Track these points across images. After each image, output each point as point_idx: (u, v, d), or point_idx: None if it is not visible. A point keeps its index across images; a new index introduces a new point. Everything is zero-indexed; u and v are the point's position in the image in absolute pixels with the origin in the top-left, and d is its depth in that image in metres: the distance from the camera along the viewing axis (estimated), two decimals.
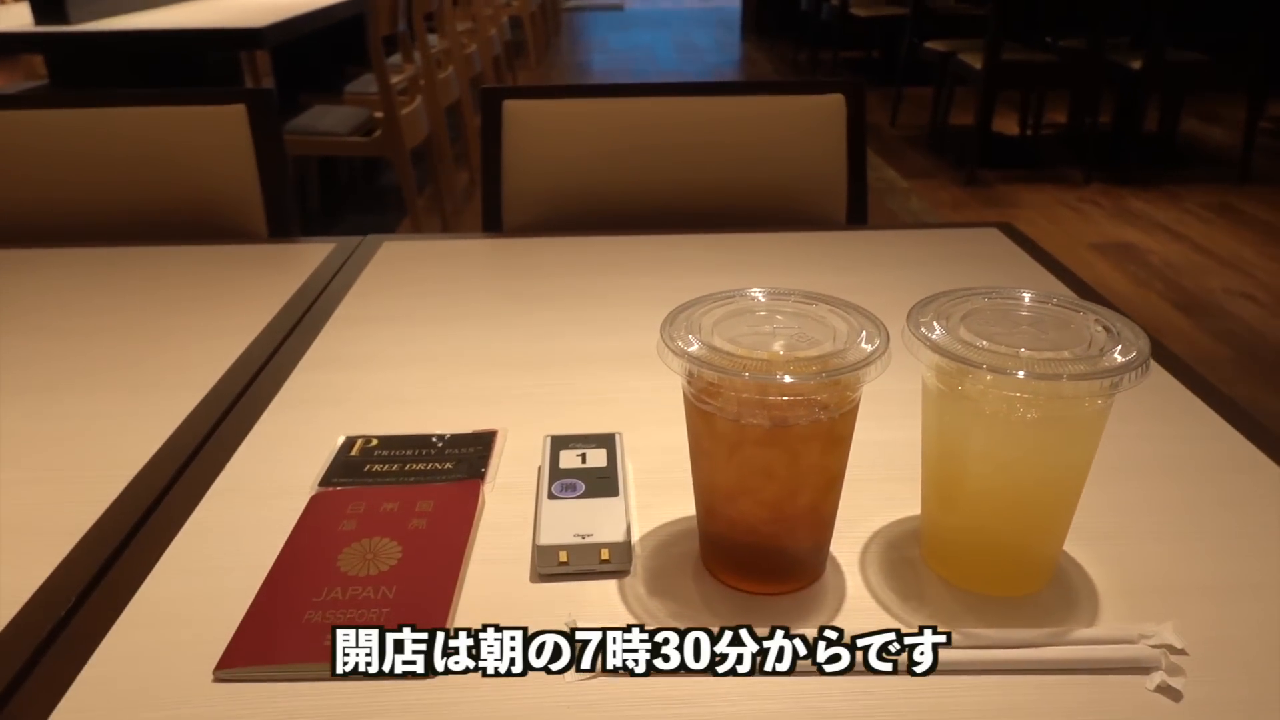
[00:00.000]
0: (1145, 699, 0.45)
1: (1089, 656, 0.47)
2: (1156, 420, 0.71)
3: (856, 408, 0.49)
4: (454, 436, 0.68)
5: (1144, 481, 0.63)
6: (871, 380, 0.46)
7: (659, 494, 0.62)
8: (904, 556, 0.56)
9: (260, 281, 1.00)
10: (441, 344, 0.85)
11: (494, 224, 1.26)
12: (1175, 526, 0.58)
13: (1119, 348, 0.47)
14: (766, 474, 0.48)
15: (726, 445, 0.49)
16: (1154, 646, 0.48)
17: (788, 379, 0.44)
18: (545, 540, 0.53)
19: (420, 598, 0.51)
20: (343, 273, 1.02)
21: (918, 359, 0.49)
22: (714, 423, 0.48)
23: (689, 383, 0.48)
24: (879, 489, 0.62)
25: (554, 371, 0.79)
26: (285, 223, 1.25)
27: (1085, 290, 0.94)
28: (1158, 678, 0.46)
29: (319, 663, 0.46)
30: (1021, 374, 0.45)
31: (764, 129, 1.27)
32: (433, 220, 3.37)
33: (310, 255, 1.08)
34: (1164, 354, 0.78)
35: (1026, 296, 0.52)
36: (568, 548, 0.53)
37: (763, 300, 0.53)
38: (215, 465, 0.65)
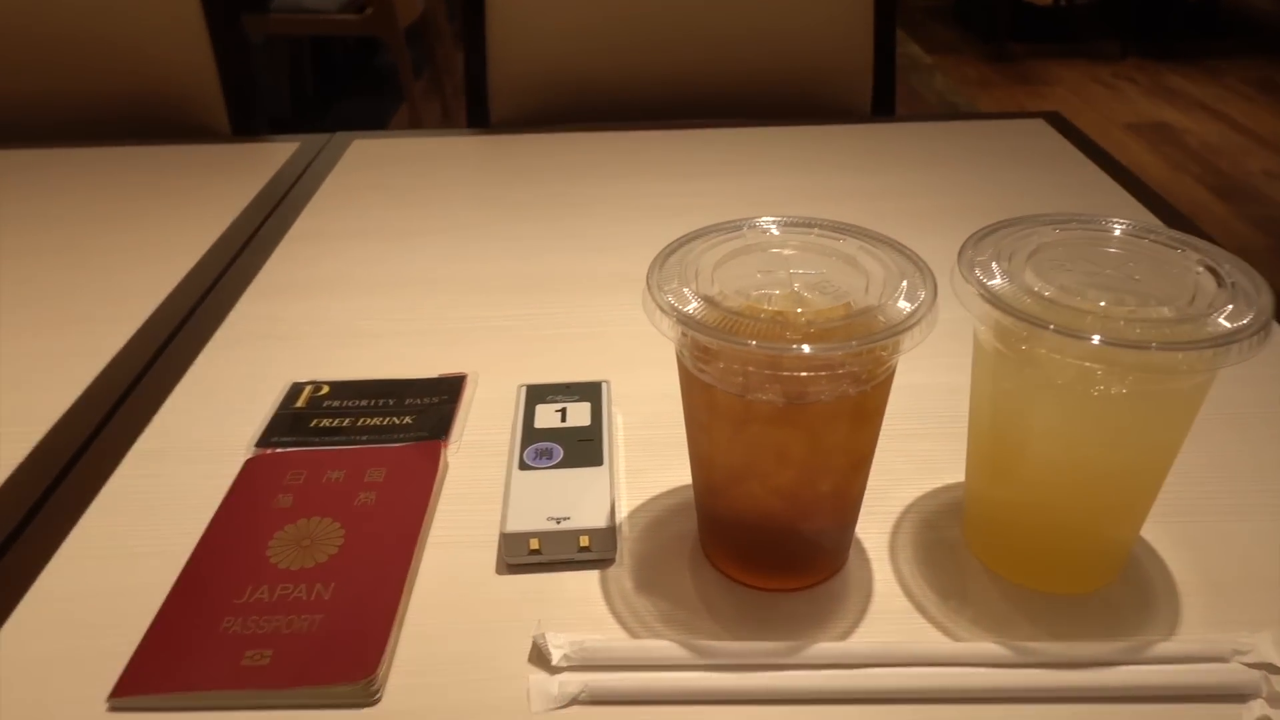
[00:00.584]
0: None
1: (1171, 681, 0.38)
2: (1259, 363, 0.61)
3: (892, 375, 0.39)
4: (417, 382, 0.59)
5: (1240, 442, 0.53)
6: (913, 347, 0.36)
7: (653, 455, 0.52)
8: (942, 539, 0.46)
9: (211, 189, 0.89)
10: (410, 265, 0.74)
11: (480, 114, 1.13)
12: (1266, 500, 0.49)
13: (1229, 306, 0.36)
14: (779, 457, 0.39)
15: (730, 422, 0.39)
16: (1250, 665, 0.39)
17: (807, 349, 0.34)
18: (513, 526, 0.45)
19: (361, 600, 0.42)
20: (305, 179, 0.91)
21: (969, 311, 0.39)
22: (714, 395, 0.38)
23: (683, 345, 0.38)
24: (915, 449, 0.52)
25: (538, 298, 0.69)
26: (249, 117, 1.13)
27: (1154, 200, 0.82)
28: (1257, 708, 0.37)
29: (232, 690, 0.38)
30: (1097, 339, 0.34)
31: (780, 2, 1.12)
32: (432, 107, 3.20)
33: (272, 157, 0.96)
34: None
35: (1116, 229, 0.41)
36: (540, 535, 0.44)
37: (776, 234, 0.42)
38: (140, 420, 0.56)
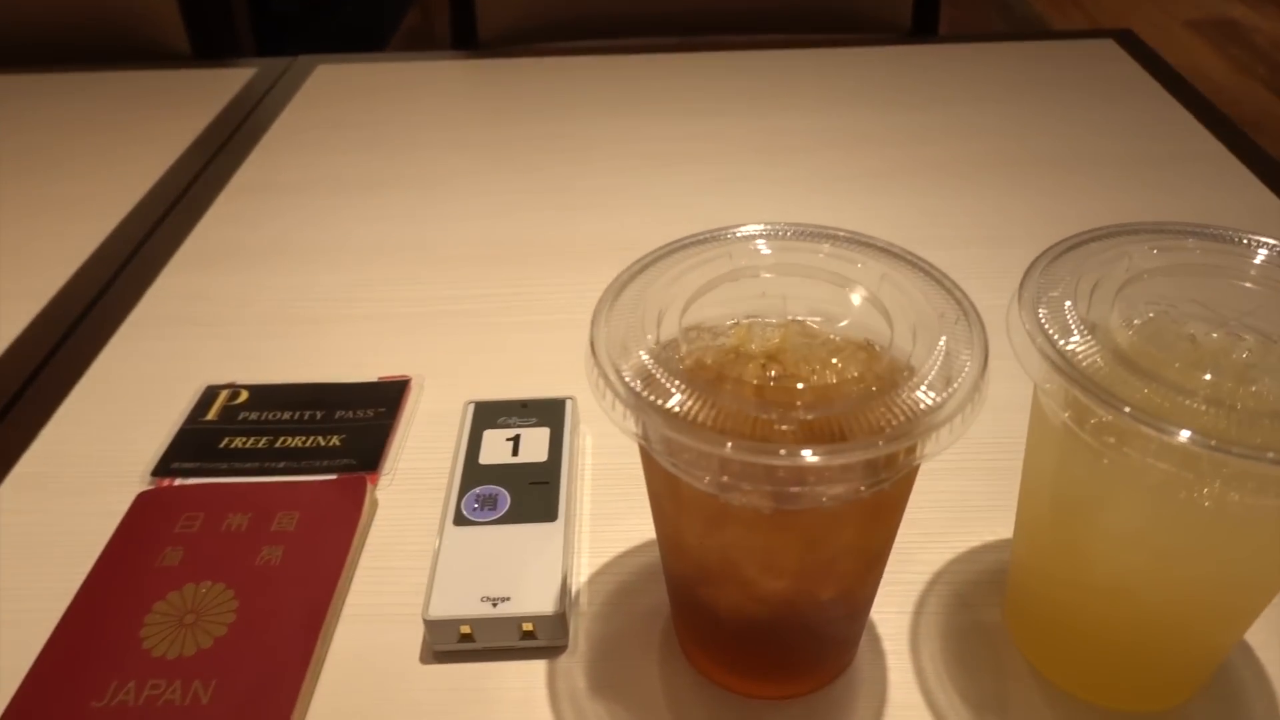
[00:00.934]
0: None
1: None
2: None
3: (918, 467, 0.29)
4: (352, 388, 0.49)
5: None
6: (954, 442, 0.26)
7: (626, 494, 0.43)
8: (979, 624, 0.37)
9: (151, 126, 0.78)
10: (366, 226, 0.64)
11: (466, 30, 1.01)
12: None
13: None
14: (767, 566, 0.29)
15: (701, 521, 0.29)
16: None
17: (809, 456, 0.24)
18: (438, 611, 0.36)
19: (248, 702, 0.34)
20: (257, 114, 0.80)
21: (1029, 373, 0.28)
22: (679, 488, 0.28)
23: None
24: (948, 489, 0.43)
25: (507, 272, 0.59)
26: (211, 37, 1.01)
27: (1249, 150, 0.69)
28: None
29: None
30: (1186, 435, 0.24)
31: None
32: (443, 16, 3.01)
33: (225, 85, 0.85)
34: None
35: (1261, 253, 0.30)
36: (472, 621, 0.36)
37: (765, 253, 0.31)
38: (23, 436, 0.48)
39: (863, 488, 0.27)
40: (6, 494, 0.45)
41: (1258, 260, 0.30)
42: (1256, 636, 0.36)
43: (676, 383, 0.26)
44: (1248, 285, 0.29)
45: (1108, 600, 0.32)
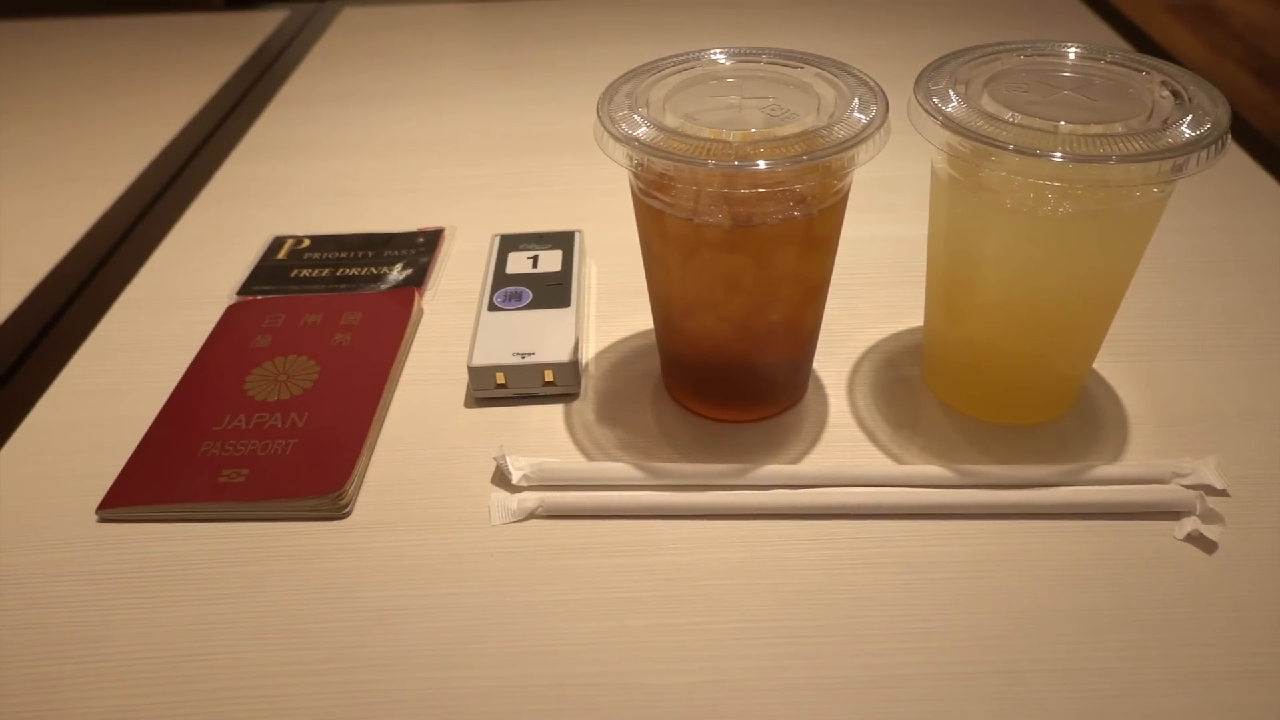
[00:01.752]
0: (1170, 549, 0.38)
1: (1108, 500, 0.40)
2: (1220, 206, 0.60)
3: (844, 201, 0.39)
4: (396, 235, 0.59)
5: (1196, 283, 0.53)
6: (863, 164, 0.36)
7: (622, 301, 0.53)
8: (901, 376, 0.47)
9: (199, 57, 0.89)
10: (395, 127, 0.74)
11: None
12: (1231, 340, 0.49)
13: (1188, 119, 0.36)
14: (729, 284, 0.40)
15: (680, 249, 0.39)
16: (1189, 487, 0.40)
17: (760, 165, 0.34)
18: (480, 360, 0.46)
19: (333, 428, 0.44)
20: (293, 46, 0.90)
21: (926, 139, 0.38)
22: (664, 222, 0.39)
23: (635, 174, 0.38)
24: (878, 295, 0.53)
25: (519, 158, 0.69)
26: None
27: (1150, 47, 0.80)
28: (1189, 524, 0.38)
29: (208, 502, 0.41)
30: (1058, 155, 0.34)
31: None
32: None
33: (260, 25, 0.95)
34: (1241, 126, 0.66)
35: (1071, 52, 0.41)
36: (505, 368, 0.46)
37: (727, 64, 0.42)
38: (128, 271, 0.58)
39: (797, 212, 0.37)
40: (117, 311, 0.55)
41: (1072, 57, 0.40)
42: (1114, 377, 0.46)
43: (662, 135, 0.36)
44: (1068, 74, 0.40)
45: (986, 328, 0.42)
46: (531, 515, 0.41)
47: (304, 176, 0.67)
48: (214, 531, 0.40)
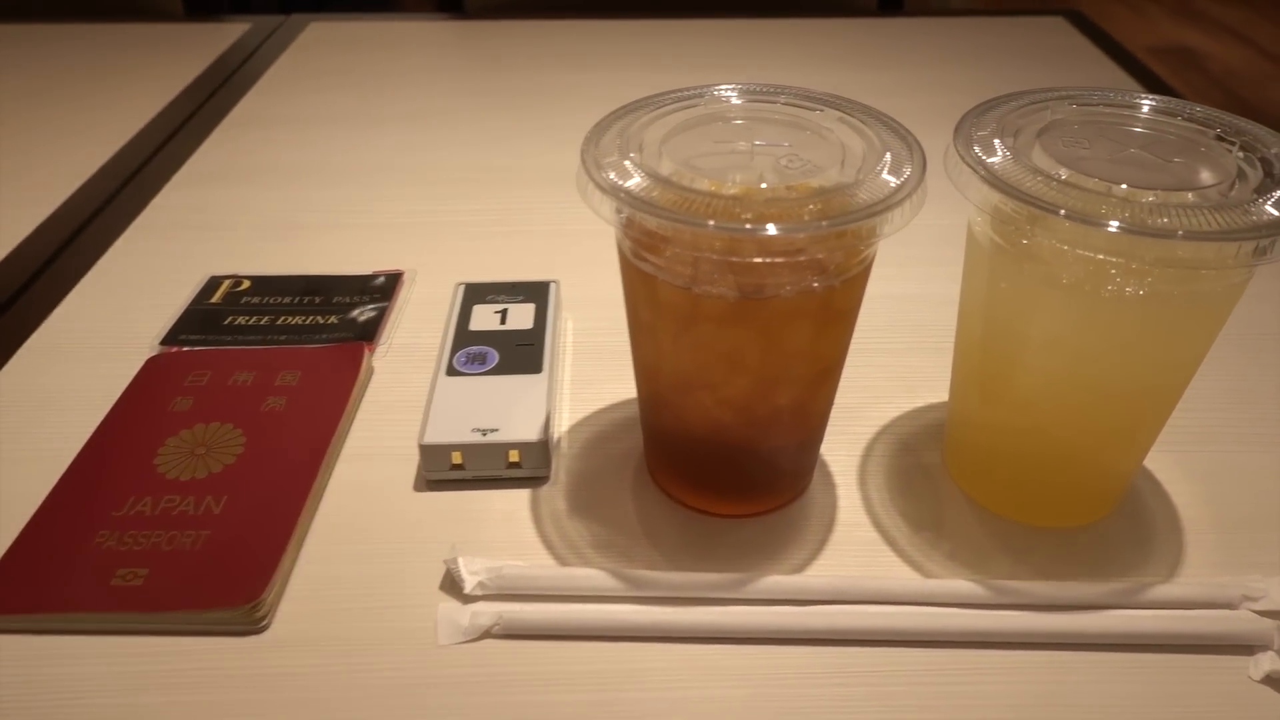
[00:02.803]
0: (1246, 691, 0.32)
1: (1169, 630, 0.34)
2: (1268, 270, 0.55)
3: (868, 269, 0.33)
4: (349, 279, 0.53)
5: (1260, 365, 0.47)
6: (895, 231, 0.30)
7: (604, 364, 0.47)
8: (921, 464, 0.41)
9: (152, 70, 0.82)
10: (359, 154, 0.68)
11: (453, 1, 1.05)
12: None
13: (1276, 193, 0.30)
14: (731, 363, 0.33)
15: (675, 321, 0.33)
16: (1262, 614, 0.34)
17: (770, 229, 0.28)
18: (433, 437, 0.39)
19: (256, 517, 0.37)
20: (254, 60, 0.83)
21: (965, 195, 0.32)
22: (657, 289, 0.32)
23: (623, 230, 0.32)
24: (894, 364, 0.47)
25: (494, 192, 0.63)
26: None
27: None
28: (1266, 662, 0.32)
29: (96, 612, 0.34)
30: (1115, 225, 0.28)
31: None
32: (426, 6, 3.05)
33: (221, 37, 0.89)
34: None
35: (1144, 105, 0.35)
36: (463, 447, 0.39)
37: (737, 103, 0.36)
38: (39, 312, 0.51)
39: (815, 283, 0.31)
40: (21, 360, 0.47)
41: (1144, 111, 0.35)
42: (1162, 472, 0.41)
43: (657, 187, 0.30)
44: (1137, 129, 0.34)
45: (1026, 417, 0.36)
46: (487, 634, 0.34)
47: (250, 207, 0.61)
48: (102, 649, 0.33)
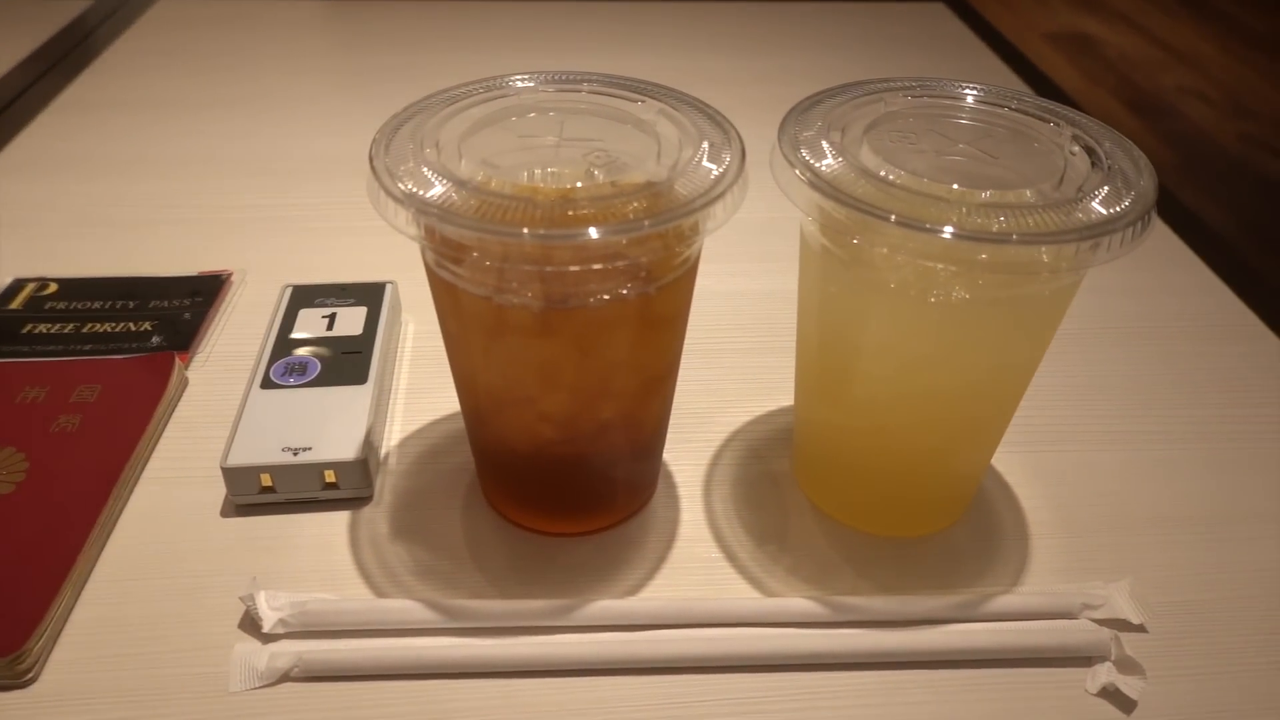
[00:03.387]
0: (1084, 705, 0.31)
1: (1009, 644, 0.32)
2: (1124, 267, 0.55)
3: (692, 271, 0.31)
4: (168, 281, 0.48)
5: (1112, 361, 0.47)
6: (715, 229, 0.28)
7: (441, 371, 0.43)
8: (769, 472, 0.39)
9: None
10: (191, 142, 0.63)
11: None
12: (1142, 425, 0.43)
13: (1104, 190, 0.29)
14: (545, 377, 0.31)
15: (482, 332, 0.30)
16: (1101, 622, 0.33)
17: (593, 233, 0.26)
18: (238, 458, 0.36)
19: (27, 555, 0.33)
20: (92, 40, 0.77)
21: (793, 200, 0.30)
22: (460, 298, 0.30)
23: (424, 238, 0.29)
24: (745, 364, 0.45)
25: (336, 185, 0.59)
26: None
27: (1051, 91, 0.75)
28: (1103, 674, 0.32)
29: None
30: (949, 231, 0.27)
31: None
32: None
33: (60, 12, 0.82)
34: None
35: (970, 95, 0.33)
36: (272, 469, 0.36)
37: (541, 92, 0.33)
38: None
39: (626, 290, 0.29)
40: None
41: (970, 100, 0.33)
42: (1010, 473, 0.40)
43: (454, 189, 0.27)
44: (965, 121, 0.32)
45: (865, 422, 0.34)
46: (285, 677, 0.31)
47: (63, 201, 0.55)
48: None
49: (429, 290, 0.32)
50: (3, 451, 0.37)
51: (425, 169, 0.28)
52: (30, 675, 0.30)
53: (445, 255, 0.29)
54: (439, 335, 0.45)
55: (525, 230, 0.26)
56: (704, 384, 0.43)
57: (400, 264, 0.49)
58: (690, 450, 0.40)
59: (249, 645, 0.32)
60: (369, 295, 0.45)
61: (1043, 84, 0.78)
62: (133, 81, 0.70)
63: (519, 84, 0.33)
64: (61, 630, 0.32)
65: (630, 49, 0.81)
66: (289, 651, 0.31)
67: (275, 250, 0.52)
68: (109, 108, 0.66)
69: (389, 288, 0.46)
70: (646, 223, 0.26)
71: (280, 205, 0.56)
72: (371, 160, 0.29)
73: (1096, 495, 0.39)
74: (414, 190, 0.28)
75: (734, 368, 0.44)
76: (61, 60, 0.73)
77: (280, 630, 0.32)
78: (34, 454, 0.37)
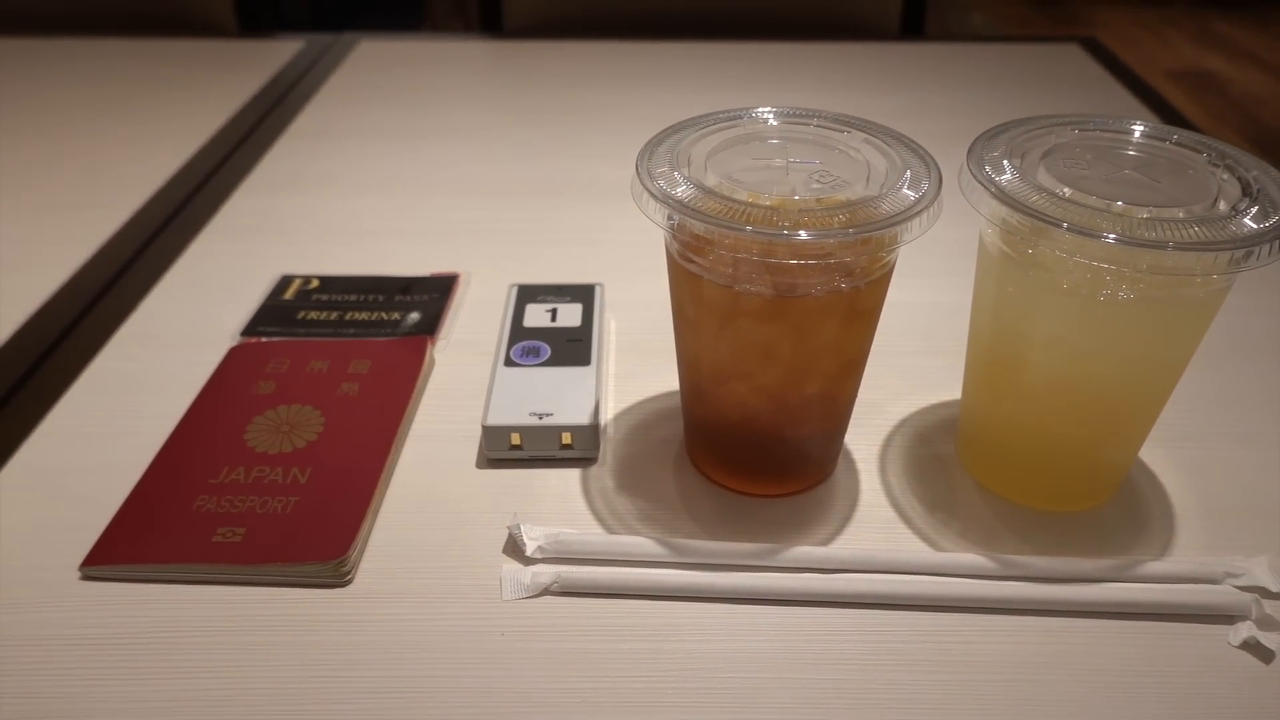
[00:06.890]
0: (1226, 656, 0.36)
1: (1159, 600, 0.37)
2: (1258, 285, 0.58)
3: (890, 273, 0.38)
4: (408, 280, 0.57)
5: (1240, 366, 0.51)
6: (913, 239, 0.34)
7: (644, 359, 0.51)
8: (935, 454, 0.45)
9: (212, 85, 0.87)
10: (411, 165, 0.73)
11: (493, 17, 1.10)
12: (1277, 428, 0.47)
13: (1254, 210, 0.34)
14: (766, 355, 0.38)
15: (716, 316, 0.37)
16: (1242, 589, 0.38)
17: (803, 235, 0.33)
18: (494, 419, 0.44)
19: (337, 486, 0.42)
20: (309, 76, 0.89)
21: (977, 209, 0.37)
22: (701, 287, 0.37)
23: (672, 234, 0.36)
24: (911, 364, 0.51)
25: (538, 202, 0.67)
26: (257, 14, 1.10)
27: (1186, 128, 0.79)
28: (1244, 630, 0.36)
29: (200, 564, 0.38)
30: (1112, 237, 0.32)
31: None
32: (456, 25, 3.12)
33: (276, 55, 0.94)
34: None
35: (1136, 130, 0.39)
36: (521, 429, 0.43)
37: (774, 124, 0.40)
38: (126, 305, 0.56)
39: (843, 284, 0.35)
40: (113, 348, 0.52)
41: (1136, 135, 0.39)
42: (1157, 465, 0.44)
43: (704, 196, 0.34)
44: (1130, 152, 0.38)
45: (1031, 411, 0.40)
46: (546, 591, 0.38)
47: (315, 214, 0.65)
48: (204, 595, 0.38)
49: (628, 293, 0.39)
50: (304, 408, 0.46)
51: (678, 176, 0.36)
52: (349, 577, 0.39)
53: (690, 249, 0.36)
54: (638, 330, 0.53)
55: (749, 227, 0.33)
56: (877, 380, 0.49)
57: (598, 272, 0.57)
58: (865, 433, 0.46)
59: (514, 565, 0.39)
60: (582, 294, 0.53)
61: (1174, 120, 0.81)
62: (352, 114, 0.81)
63: (756, 115, 0.40)
64: (366, 544, 0.40)
65: (769, 86, 0.88)
66: (548, 571, 0.38)
67: (493, 257, 0.60)
68: (337, 137, 0.77)
69: (598, 288, 0.53)
70: (851, 230, 0.33)
71: (491, 220, 0.65)
72: (637, 167, 0.36)
73: (1236, 487, 0.43)
74: (668, 190, 0.35)
75: (901, 368, 0.50)
76: (287, 94, 0.84)
77: (538, 555, 0.39)
78: (328, 411, 0.46)
